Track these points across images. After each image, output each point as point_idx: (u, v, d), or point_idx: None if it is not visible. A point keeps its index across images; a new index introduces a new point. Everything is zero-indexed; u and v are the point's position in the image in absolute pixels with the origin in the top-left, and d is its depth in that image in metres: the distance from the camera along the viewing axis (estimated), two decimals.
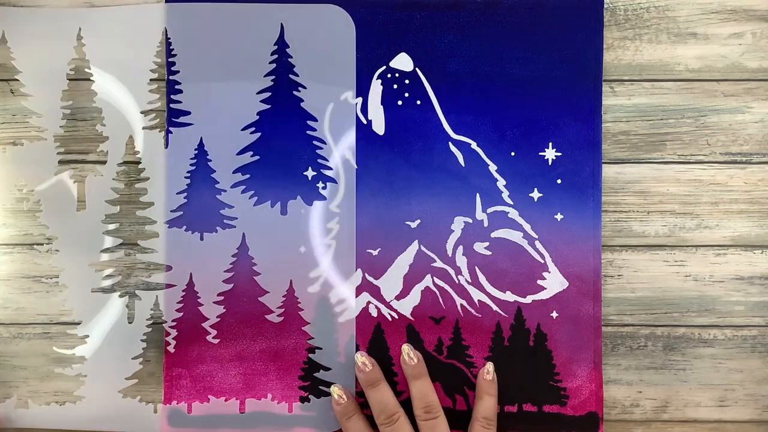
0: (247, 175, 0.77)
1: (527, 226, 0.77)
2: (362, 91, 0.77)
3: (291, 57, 0.77)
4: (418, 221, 0.77)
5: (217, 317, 0.77)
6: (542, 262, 0.77)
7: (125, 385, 0.77)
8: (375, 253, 0.77)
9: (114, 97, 0.77)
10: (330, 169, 0.77)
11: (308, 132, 0.77)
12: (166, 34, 0.77)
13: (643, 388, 0.78)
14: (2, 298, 0.78)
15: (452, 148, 0.77)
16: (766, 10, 0.77)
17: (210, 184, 0.77)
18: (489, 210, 0.77)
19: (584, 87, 0.77)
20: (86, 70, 0.77)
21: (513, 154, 0.77)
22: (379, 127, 0.77)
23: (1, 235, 0.77)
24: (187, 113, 0.77)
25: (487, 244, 0.77)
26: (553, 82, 0.77)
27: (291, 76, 0.77)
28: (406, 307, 0.77)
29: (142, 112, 0.77)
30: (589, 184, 0.77)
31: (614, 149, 0.77)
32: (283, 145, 0.77)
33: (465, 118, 0.77)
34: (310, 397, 0.77)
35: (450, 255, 0.77)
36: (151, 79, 0.77)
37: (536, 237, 0.77)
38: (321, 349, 0.77)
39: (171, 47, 0.77)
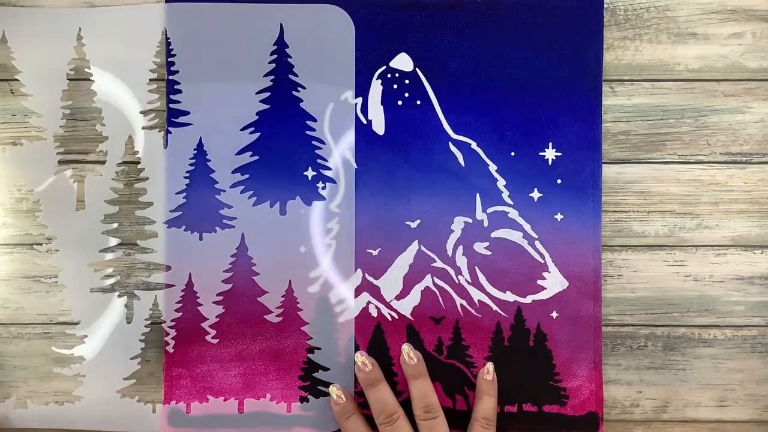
0: (247, 175, 0.77)
1: (527, 226, 0.77)
2: (362, 91, 0.77)
3: (290, 57, 0.77)
4: (418, 221, 0.77)
5: (216, 317, 0.77)
6: (542, 262, 0.77)
7: (124, 385, 0.77)
8: (375, 253, 0.77)
9: (114, 97, 0.77)
10: (329, 169, 0.77)
11: (307, 132, 0.77)
12: (166, 34, 0.77)
13: (643, 388, 0.78)
14: (2, 298, 0.78)
15: (452, 148, 0.77)
16: (766, 10, 0.77)
17: (209, 184, 0.77)
18: (489, 210, 0.77)
19: (584, 87, 0.77)
20: (86, 70, 0.77)
21: (513, 154, 0.77)
22: (379, 127, 0.77)
23: (0, 235, 0.77)
24: (187, 113, 0.77)
25: (487, 244, 0.77)
26: (553, 82, 0.77)
27: (290, 76, 0.77)
28: (406, 307, 0.77)
29: (141, 112, 0.77)
30: (589, 184, 0.77)
31: (614, 149, 0.77)
32: (282, 145, 0.77)
33: (465, 118, 0.77)
34: (310, 397, 0.77)
35: (450, 255, 0.77)
36: (150, 79, 0.77)
37: (536, 237, 0.77)
38: (320, 349, 0.77)
39: (170, 47, 0.77)
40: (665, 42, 0.77)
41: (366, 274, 0.77)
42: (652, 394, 0.78)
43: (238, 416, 0.77)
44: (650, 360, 0.78)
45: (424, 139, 0.77)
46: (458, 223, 0.77)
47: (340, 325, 0.77)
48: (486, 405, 0.75)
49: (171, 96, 0.77)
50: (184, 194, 0.77)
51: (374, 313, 0.77)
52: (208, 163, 0.77)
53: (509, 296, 0.77)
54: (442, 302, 0.77)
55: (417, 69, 0.77)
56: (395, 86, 0.77)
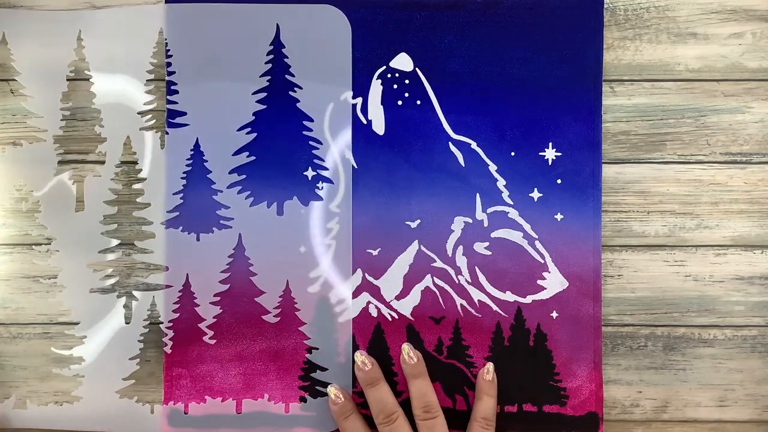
0: (243, 176, 0.77)
1: (527, 226, 0.77)
2: (362, 91, 0.77)
3: (287, 57, 0.77)
4: (418, 221, 0.77)
5: (213, 318, 0.77)
6: (542, 262, 0.77)
7: (123, 386, 0.77)
8: (375, 253, 0.77)
9: (113, 98, 0.77)
10: (326, 169, 0.77)
11: (304, 132, 0.77)
12: (163, 35, 0.77)
13: (643, 388, 0.78)
14: (2, 298, 0.78)
15: (452, 148, 0.77)
16: (766, 10, 0.77)
17: (206, 184, 0.77)
18: (489, 210, 0.77)
19: (584, 87, 0.77)
20: (86, 71, 0.77)
21: (513, 154, 0.77)
22: (379, 127, 0.77)
23: (0, 236, 0.78)
24: (184, 114, 0.77)
25: (487, 244, 0.77)
26: (553, 82, 0.77)
27: (287, 76, 0.77)
28: (406, 307, 0.77)
29: (139, 113, 0.77)
30: (589, 184, 0.77)
31: (614, 149, 0.77)
32: (279, 146, 0.77)
33: (465, 118, 0.77)
34: (308, 397, 0.77)
35: (450, 255, 0.77)
36: (148, 80, 0.77)
37: (536, 237, 0.77)
38: (318, 349, 0.77)
39: (168, 48, 0.77)
40: (665, 42, 0.77)
41: (366, 274, 0.77)
42: (652, 394, 0.78)
43: (236, 416, 0.77)
44: (650, 360, 0.78)
45: (424, 139, 0.77)
46: (458, 223, 0.77)
47: (340, 325, 0.77)
48: (485, 405, 0.75)
49: (169, 96, 0.77)
50: (182, 195, 0.77)
51: (374, 313, 0.77)
52: (205, 163, 0.77)
53: (509, 296, 0.77)
54: (442, 302, 0.77)
55: (417, 69, 0.77)
56: (395, 86, 0.77)
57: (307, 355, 0.77)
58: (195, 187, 0.77)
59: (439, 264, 0.77)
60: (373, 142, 0.77)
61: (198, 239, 0.77)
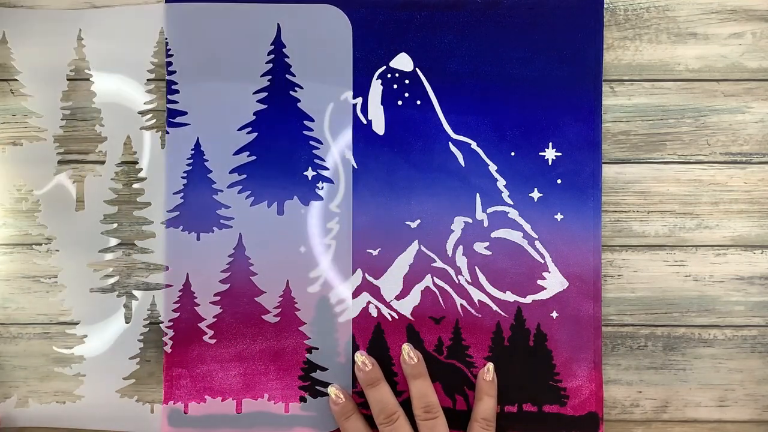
0: (244, 175, 0.77)
1: (527, 226, 0.77)
2: (362, 91, 0.77)
3: (288, 57, 0.77)
4: (418, 221, 0.77)
5: (213, 317, 0.77)
6: (542, 262, 0.77)
7: (123, 385, 0.77)
8: (375, 253, 0.77)
9: (113, 98, 0.77)
10: (327, 169, 0.77)
11: (305, 132, 0.77)
12: (164, 34, 0.77)
13: (643, 388, 0.78)
14: (2, 298, 0.78)
15: (452, 148, 0.77)
16: (766, 10, 0.77)
17: (207, 184, 0.77)
18: (489, 210, 0.77)
19: (584, 87, 0.77)
20: (86, 70, 0.77)
21: (513, 154, 0.77)
22: (379, 127, 0.77)
23: (0, 235, 0.77)
24: (184, 113, 0.77)
25: (487, 244, 0.77)
26: (553, 82, 0.77)
27: (287, 76, 0.77)
28: (406, 307, 0.77)
29: (140, 113, 0.77)
30: (589, 184, 0.77)
31: (614, 149, 0.77)
32: (279, 146, 0.77)
33: (465, 118, 0.77)
34: (308, 397, 0.77)
35: (450, 255, 0.77)
36: (148, 80, 0.77)
37: (536, 237, 0.77)
38: (318, 349, 0.77)
39: (168, 47, 0.77)
40: (665, 42, 0.77)
41: (366, 274, 0.77)
42: (652, 394, 0.78)
43: (236, 416, 0.77)
44: (650, 360, 0.78)
45: (424, 139, 0.77)
46: (458, 223, 0.77)
47: (340, 325, 0.77)
48: (486, 405, 0.75)
49: (169, 96, 0.77)
50: (182, 194, 0.77)
51: (374, 313, 0.77)
52: (205, 163, 0.77)
53: (509, 296, 0.77)
54: (442, 302, 0.77)
55: (417, 69, 0.77)
56: (395, 86, 0.77)
57: (307, 355, 0.77)
58: (195, 187, 0.77)
59: (439, 264, 0.77)
60: (373, 142, 0.77)
61: (198, 239, 0.77)
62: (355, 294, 0.77)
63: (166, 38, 0.77)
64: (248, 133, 0.77)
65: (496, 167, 0.77)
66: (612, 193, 0.77)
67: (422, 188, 0.77)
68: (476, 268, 0.77)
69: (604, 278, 0.78)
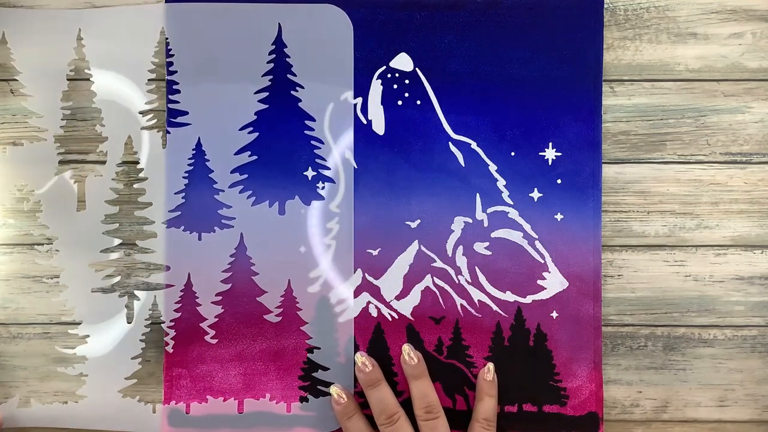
0: (245, 175, 0.77)
1: (527, 226, 0.77)
2: (362, 91, 0.77)
3: (289, 57, 0.77)
4: (418, 221, 0.77)
5: (215, 317, 0.77)
6: (542, 262, 0.77)
7: (125, 385, 0.77)
8: (375, 253, 0.77)
9: (113, 97, 0.77)
10: (328, 168, 0.77)
11: (306, 132, 0.77)
12: (165, 34, 0.77)
13: (643, 388, 0.78)
14: (2, 298, 0.78)
15: (452, 148, 0.77)
16: (766, 10, 0.77)
17: (208, 184, 0.77)
18: (489, 210, 0.77)
19: (584, 87, 0.77)
20: (86, 70, 0.77)
21: (513, 154, 0.77)
22: (379, 127, 0.77)
23: (1, 235, 0.77)
24: (185, 113, 0.77)
25: (487, 244, 0.77)
26: (553, 82, 0.77)
27: (289, 76, 0.77)
28: (406, 307, 0.77)
29: (141, 113, 0.77)
30: (589, 184, 0.77)
31: (614, 149, 0.77)
32: (281, 145, 0.77)
33: (465, 118, 0.77)
34: (310, 397, 0.77)
35: (450, 255, 0.77)
36: (149, 79, 0.77)
37: (536, 237, 0.77)
38: (319, 349, 0.77)
39: (169, 47, 0.77)
40: (665, 42, 0.77)
41: (366, 274, 0.77)
42: (652, 394, 0.78)
43: (238, 416, 0.77)
44: (650, 360, 0.78)
45: (424, 139, 0.77)
46: (458, 223, 0.77)
47: (340, 325, 0.77)
48: (486, 405, 0.75)
49: (170, 96, 0.77)
50: (183, 194, 0.77)
51: (374, 313, 0.77)
52: (206, 163, 0.77)
53: (509, 296, 0.77)
54: (442, 302, 0.77)
55: (417, 69, 0.77)
56: (395, 86, 0.77)
57: (308, 355, 0.77)
58: (196, 187, 0.77)
59: (439, 264, 0.77)
60: (373, 142, 0.77)
61: (200, 239, 0.77)
62: (355, 294, 0.77)
63: (167, 38, 0.77)
64: (249, 132, 0.77)
65: (496, 167, 0.77)
66: (612, 193, 0.77)
67: (422, 188, 0.77)
68: (476, 268, 0.77)
69: (604, 278, 0.78)
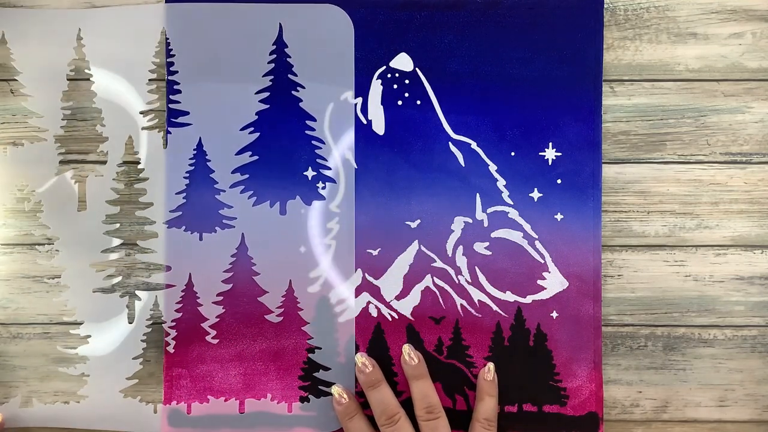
0: (246, 175, 0.77)
1: (527, 226, 0.77)
2: (362, 91, 0.77)
3: (290, 57, 0.77)
4: (418, 221, 0.77)
5: (216, 317, 0.77)
6: (542, 262, 0.77)
7: (126, 385, 0.77)
8: (375, 253, 0.77)
9: (114, 97, 0.77)
10: (329, 169, 0.77)
11: (307, 132, 0.77)
12: (165, 35, 0.77)
13: (643, 388, 0.78)
14: (2, 298, 0.78)
15: (452, 148, 0.77)
16: (766, 10, 0.77)
17: (209, 184, 0.77)
18: (489, 210, 0.77)
19: (584, 87, 0.77)
20: (86, 70, 0.77)
21: (513, 154, 0.77)
22: (379, 127, 0.77)
23: (1, 236, 0.77)
24: (186, 113, 0.77)
25: (487, 244, 0.77)
26: (553, 82, 0.77)
27: (290, 76, 0.77)
28: (406, 307, 0.77)
29: (141, 113, 0.77)
30: (589, 184, 0.77)
31: (614, 149, 0.77)
32: (282, 145, 0.77)
33: (465, 118, 0.77)
34: (310, 397, 0.77)
35: (450, 255, 0.77)
36: (150, 80, 0.77)
37: (536, 237, 0.77)
38: (320, 348, 0.77)
39: (170, 47, 0.77)
40: (665, 42, 0.77)
41: (366, 274, 0.77)
42: (652, 394, 0.78)
43: (238, 416, 0.77)
44: (650, 360, 0.78)
45: (424, 139, 0.77)
46: (458, 223, 0.77)
47: (341, 325, 0.77)
48: (487, 405, 0.75)
49: (170, 96, 0.77)
50: (184, 194, 0.77)
51: (374, 313, 0.77)
52: (207, 163, 0.77)
53: (509, 296, 0.77)
54: (442, 302, 0.77)
55: (417, 69, 0.77)
56: (395, 86, 0.77)
57: (309, 355, 0.77)
58: (198, 187, 0.77)
59: (439, 264, 0.77)
60: (373, 142, 0.77)
61: (201, 239, 0.77)
62: (356, 294, 0.77)
63: (168, 38, 0.77)
64: (250, 133, 0.77)
65: (496, 167, 0.77)
66: (612, 193, 0.77)
67: (422, 188, 0.77)
68: (476, 268, 0.77)
69: (604, 278, 0.78)
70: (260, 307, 0.77)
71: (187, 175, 0.77)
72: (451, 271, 0.77)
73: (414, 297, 0.77)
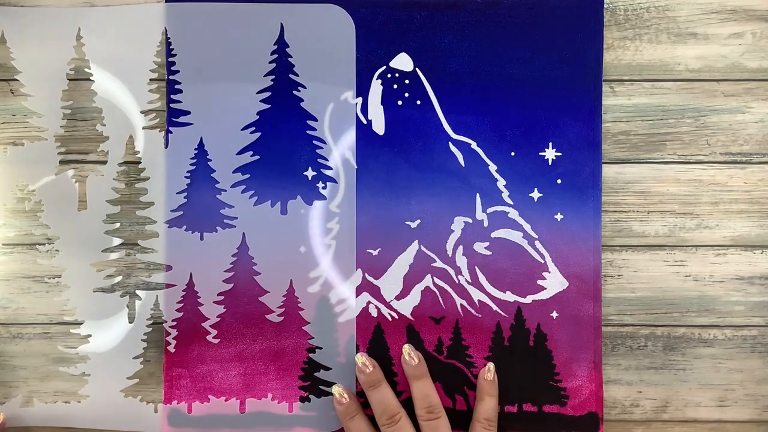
0: (247, 175, 0.77)
1: (527, 226, 0.77)
2: (362, 91, 0.77)
3: (291, 57, 0.77)
4: (418, 221, 0.77)
5: (217, 317, 0.77)
6: (542, 262, 0.77)
7: (126, 385, 0.77)
8: (375, 253, 0.77)
9: (114, 97, 0.77)
10: (330, 168, 0.77)
11: (308, 132, 0.77)
12: (166, 34, 0.77)
13: (643, 388, 0.78)
14: (3, 298, 0.78)
15: (452, 148, 0.77)
16: (766, 10, 0.77)
17: (210, 183, 0.77)
18: (489, 210, 0.77)
19: (584, 87, 0.77)
20: (86, 69, 0.77)
21: (513, 154, 0.77)
22: (379, 127, 0.77)
23: (2, 235, 0.77)
24: (187, 113, 0.77)
25: (487, 244, 0.77)
26: (553, 82, 0.77)
27: (291, 75, 0.77)
28: (406, 307, 0.77)
29: (142, 112, 0.77)
30: (589, 184, 0.77)
31: (614, 149, 0.77)
32: (283, 145, 0.77)
33: (465, 118, 0.77)
34: (311, 396, 0.77)
35: (450, 255, 0.77)
36: (151, 79, 0.77)
37: (536, 237, 0.77)
38: (321, 348, 0.77)
39: (171, 47, 0.77)
40: (665, 42, 0.77)
41: (366, 274, 0.77)
42: (652, 394, 0.78)
43: (238, 416, 0.77)
44: (650, 360, 0.78)
45: (424, 139, 0.77)
46: (458, 223, 0.77)
47: (341, 325, 0.77)
48: (487, 405, 0.75)
49: (171, 96, 0.77)
50: (185, 194, 0.77)
51: (374, 313, 0.77)
52: (208, 162, 0.77)
53: (509, 296, 0.77)
54: (442, 302, 0.77)
55: (417, 69, 0.77)
56: (395, 86, 0.77)
57: (310, 355, 0.77)
58: (199, 186, 0.77)
59: (439, 264, 0.77)
60: (373, 142, 0.77)
61: (201, 238, 0.77)
62: (356, 294, 0.77)
63: (168, 38, 0.77)
64: (251, 132, 0.77)
65: (496, 167, 0.77)
66: (612, 193, 0.77)
67: (422, 188, 0.77)
68: (476, 268, 0.77)
69: (604, 278, 0.78)
70: (261, 306, 0.77)
71: (188, 174, 0.77)
72: (451, 271, 0.77)
73: (414, 297, 0.77)
